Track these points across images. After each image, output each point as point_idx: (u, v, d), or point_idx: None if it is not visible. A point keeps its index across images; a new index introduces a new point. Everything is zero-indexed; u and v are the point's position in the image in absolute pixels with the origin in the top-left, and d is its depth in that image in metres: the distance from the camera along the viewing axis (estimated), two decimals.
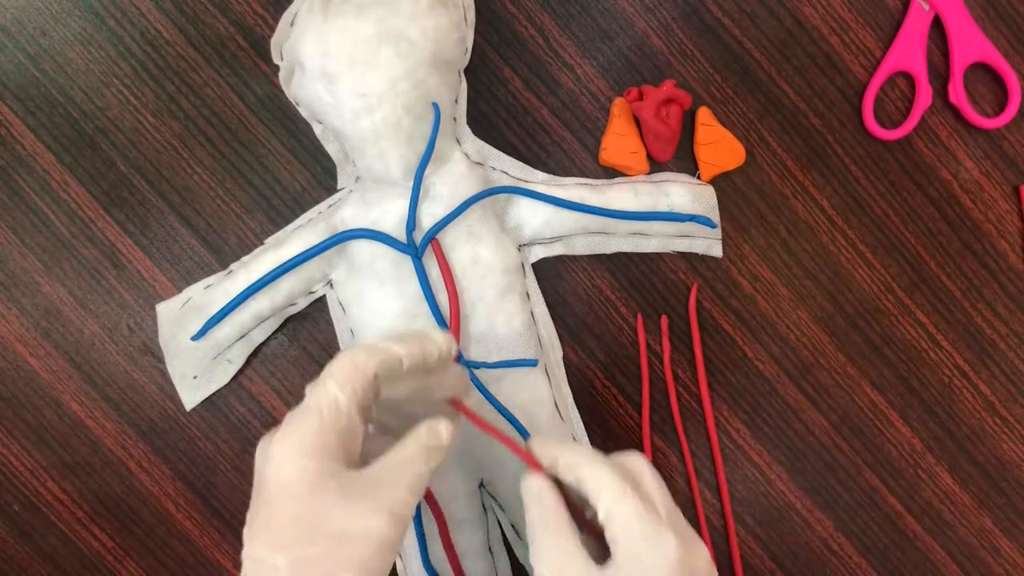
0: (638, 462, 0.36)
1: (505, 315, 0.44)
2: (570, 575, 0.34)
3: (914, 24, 0.46)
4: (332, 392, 0.32)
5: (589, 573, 0.33)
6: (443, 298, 0.43)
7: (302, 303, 0.45)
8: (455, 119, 0.44)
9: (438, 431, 0.36)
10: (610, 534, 0.34)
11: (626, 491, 0.34)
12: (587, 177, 0.47)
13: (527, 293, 0.45)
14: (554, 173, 0.46)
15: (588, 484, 0.35)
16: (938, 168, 0.48)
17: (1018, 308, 0.49)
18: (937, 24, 0.47)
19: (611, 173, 0.47)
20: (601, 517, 0.34)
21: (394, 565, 0.48)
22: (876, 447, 0.49)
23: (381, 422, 0.38)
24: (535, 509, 0.36)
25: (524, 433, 0.43)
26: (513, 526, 0.46)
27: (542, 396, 0.45)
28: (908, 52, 0.46)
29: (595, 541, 0.36)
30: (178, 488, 0.48)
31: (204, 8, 0.45)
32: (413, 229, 0.42)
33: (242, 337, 0.45)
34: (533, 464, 0.37)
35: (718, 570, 0.49)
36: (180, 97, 0.45)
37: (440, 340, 0.36)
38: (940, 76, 0.47)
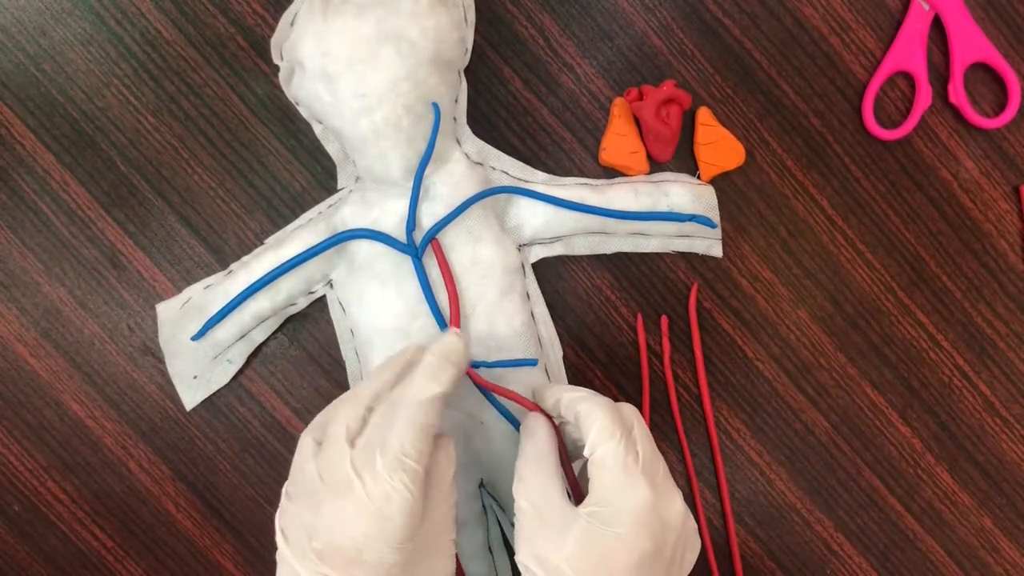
0: (629, 411, 0.37)
1: (505, 315, 0.44)
2: (546, 506, 0.35)
3: (914, 24, 0.46)
4: (411, 468, 0.33)
5: (564, 507, 0.35)
6: (443, 298, 0.43)
7: (302, 303, 0.45)
8: (455, 119, 0.44)
9: (452, 458, 0.38)
10: (590, 472, 0.35)
11: (614, 433, 0.35)
12: (587, 177, 0.47)
13: (527, 293, 0.45)
14: (554, 173, 0.46)
15: (583, 419, 0.36)
16: (938, 168, 0.48)
17: (1018, 308, 0.49)
18: (937, 24, 0.47)
19: (611, 173, 0.47)
20: (587, 452, 0.36)
21: None
22: (876, 447, 0.49)
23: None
24: (527, 443, 0.38)
25: None
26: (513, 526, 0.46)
27: None
28: (908, 52, 0.46)
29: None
30: (178, 488, 0.48)
31: (204, 8, 0.45)
32: (413, 229, 0.42)
33: (242, 337, 0.45)
34: (538, 412, 0.39)
35: (718, 570, 0.49)
36: (180, 97, 0.45)
37: (459, 352, 0.38)
38: (940, 76, 0.47)
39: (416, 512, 0.33)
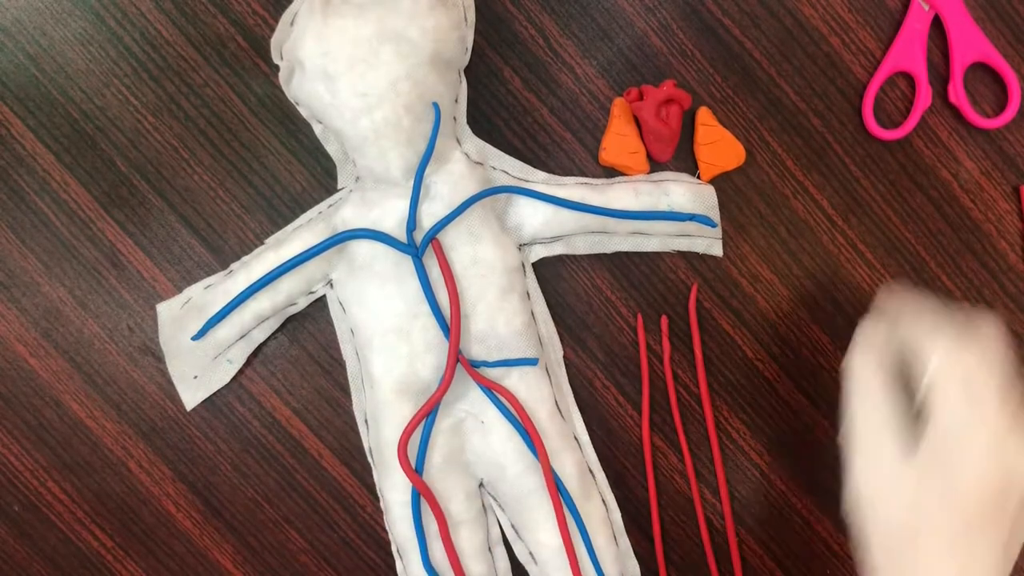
0: (989, 328, 0.35)
1: (506, 315, 0.44)
2: (878, 458, 0.33)
3: (914, 24, 0.46)
4: None
5: (895, 459, 0.33)
6: (444, 298, 0.43)
7: (302, 303, 0.45)
8: (455, 119, 0.44)
9: None
10: (929, 402, 0.33)
11: (959, 360, 0.33)
12: (587, 177, 0.47)
13: (527, 292, 0.45)
14: (554, 173, 0.46)
15: (921, 346, 0.34)
16: (938, 168, 0.48)
17: (1018, 308, 0.49)
18: (937, 24, 0.47)
19: (611, 173, 0.47)
20: (925, 382, 0.33)
21: (394, 565, 0.48)
22: None
23: None
24: (854, 387, 0.36)
25: (523, 433, 0.43)
26: (513, 526, 0.46)
27: (543, 395, 0.45)
28: (908, 52, 0.46)
29: None
30: (178, 488, 0.48)
31: (204, 8, 0.45)
32: (414, 229, 0.42)
33: (242, 337, 0.45)
34: None
35: (717, 570, 0.49)
36: (180, 97, 0.45)
37: None
38: (940, 76, 0.47)
39: None
